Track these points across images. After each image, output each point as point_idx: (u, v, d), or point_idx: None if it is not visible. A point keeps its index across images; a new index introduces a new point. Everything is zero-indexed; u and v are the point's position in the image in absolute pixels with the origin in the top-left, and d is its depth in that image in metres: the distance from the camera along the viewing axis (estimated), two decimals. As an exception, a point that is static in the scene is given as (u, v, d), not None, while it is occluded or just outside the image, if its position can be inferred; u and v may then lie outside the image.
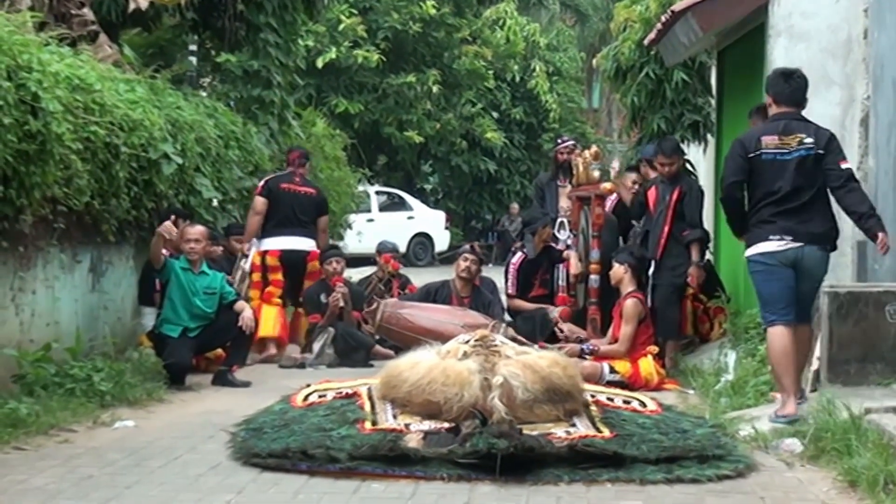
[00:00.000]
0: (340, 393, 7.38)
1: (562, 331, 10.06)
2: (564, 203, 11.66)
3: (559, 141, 12.59)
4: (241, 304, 9.63)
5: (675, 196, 9.82)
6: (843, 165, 7.16)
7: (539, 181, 12.79)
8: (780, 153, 7.14)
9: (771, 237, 7.13)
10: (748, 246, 7.31)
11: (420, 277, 13.43)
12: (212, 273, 9.62)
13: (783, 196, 7.12)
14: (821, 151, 7.13)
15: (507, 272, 11.19)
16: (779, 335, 7.11)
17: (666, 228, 9.83)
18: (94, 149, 8.59)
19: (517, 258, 11.15)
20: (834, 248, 7.32)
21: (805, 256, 7.12)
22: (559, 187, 11.89)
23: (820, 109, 9.44)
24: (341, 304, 10.91)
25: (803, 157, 7.12)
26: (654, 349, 9.39)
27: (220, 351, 9.81)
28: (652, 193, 10.05)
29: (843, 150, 7.32)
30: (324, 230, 11.77)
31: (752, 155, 7.21)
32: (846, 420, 6.40)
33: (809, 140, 7.15)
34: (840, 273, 9.24)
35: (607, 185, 10.27)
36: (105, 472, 6.06)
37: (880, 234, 7.08)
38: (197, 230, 9.65)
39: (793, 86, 7.36)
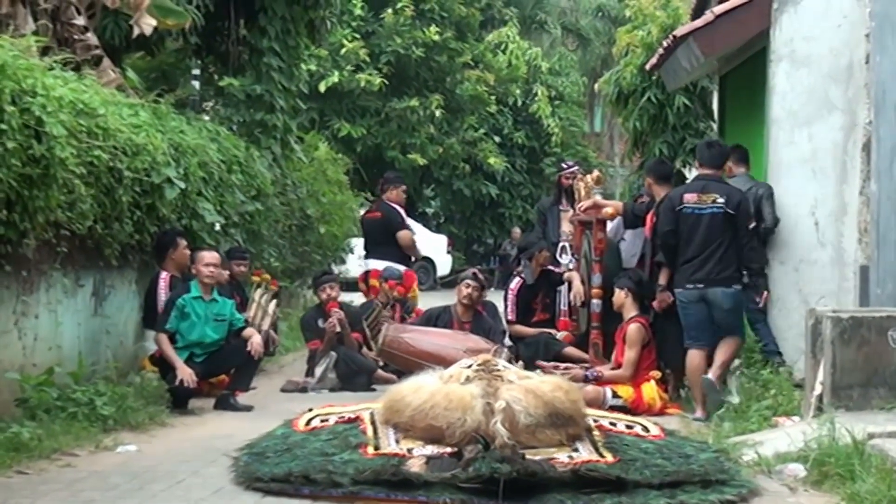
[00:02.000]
0: (343, 417, 7.37)
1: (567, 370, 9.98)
2: (566, 227, 11.67)
3: (563, 166, 12.61)
4: (249, 331, 9.63)
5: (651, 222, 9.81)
6: (750, 225, 8.88)
7: (541, 205, 12.83)
8: (698, 208, 8.78)
9: (686, 285, 8.83)
10: (674, 284, 8.98)
11: (421, 302, 13.40)
12: (221, 300, 9.61)
13: (697, 244, 8.77)
14: (731, 211, 8.72)
15: (505, 298, 11.17)
16: (694, 356, 8.89)
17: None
18: (98, 173, 8.59)
19: (515, 284, 11.12)
20: (740, 284, 8.84)
21: (710, 294, 8.75)
22: (561, 212, 11.91)
23: (821, 134, 9.48)
24: (337, 329, 10.91)
25: (714, 213, 8.75)
26: (657, 374, 9.37)
27: (222, 375, 9.80)
28: (650, 219, 10.02)
29: (750, 210, 8.98)
30: (405, 246, 12.31)
31: (677, 208, 8.86)
32: (849, 445, 6.40)
33: (721, 200, 8.75)
34: (843, 298, 9.24)
35: (609, 210, 10.26)
36: (108, 496, 6.05)
37: (764, 294, 9.37)
38: (214, 255, 9.66)
39: (713, 153, 9.07)
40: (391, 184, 12.63)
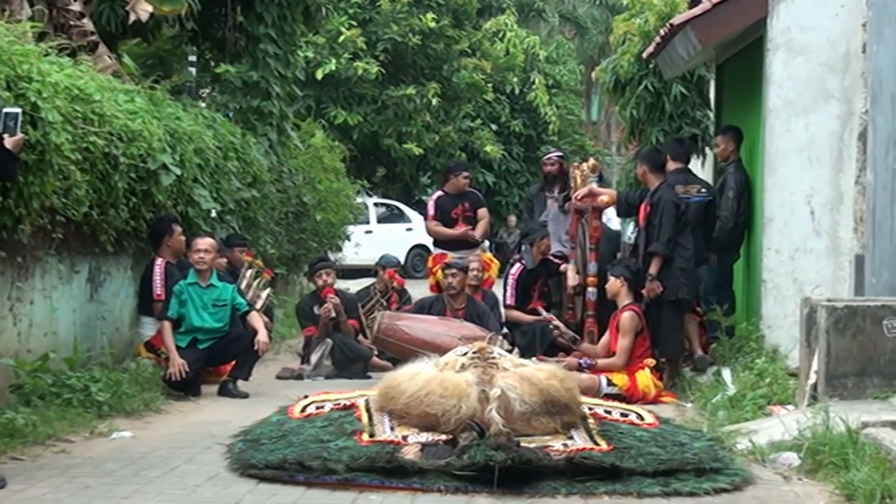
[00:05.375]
0: (338, 404, 7.37)
1: (561, 333, 10.16)
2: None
3: (548, 154, 12.75)
4: (254, 319, 9.64)
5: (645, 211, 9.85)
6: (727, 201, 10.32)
7: (530, 192, 12.95)
8: (685, 197, 9.98)
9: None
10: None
11: (418, 289, 13.43)
12: (221, 285, 9.62)
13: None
14: (710, 198, 10.37)
15: (505, 283, 11.16)
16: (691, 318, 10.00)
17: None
18: (93, 159, 8.58)
19: (516, 269, 11.11)
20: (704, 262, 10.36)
21: (700, 271, 10.23)
22: (548, 198, 11.99)
23: (818, 123, 9.49)
24: (333, 314, 10.92)
25: (700, 202, 10.27)
26: (652, 362, 9.38)
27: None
28: (644, 209, 10.02)
29: (729, 195, 10.29)
30: None
31: None
32: (843, 434, 6.40)
33: (704, 190, 10.45)
34: (838, 287, 9.25)
35: (604, 198, 10.26)
36: (102, 482, 6.06)
37: (713, 257, 10.47)
38: (206, 241, 9.68)
39: (684, 148, 10.89)
40: (450, 173, 12.59)
